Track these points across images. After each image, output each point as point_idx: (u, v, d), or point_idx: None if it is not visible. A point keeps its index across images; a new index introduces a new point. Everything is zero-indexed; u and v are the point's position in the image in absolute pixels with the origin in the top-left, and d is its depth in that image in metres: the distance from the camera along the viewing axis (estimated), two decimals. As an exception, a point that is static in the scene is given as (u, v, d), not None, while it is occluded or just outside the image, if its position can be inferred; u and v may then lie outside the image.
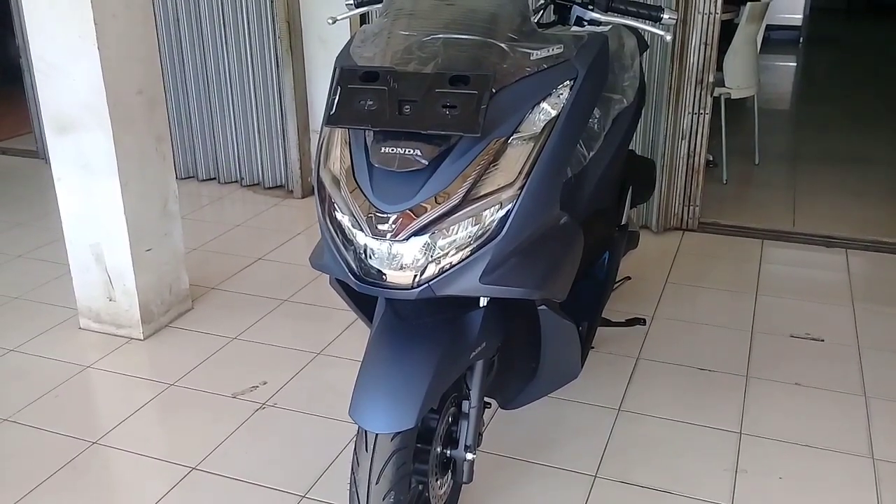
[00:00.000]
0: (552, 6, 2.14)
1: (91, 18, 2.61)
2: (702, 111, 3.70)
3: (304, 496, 2.18)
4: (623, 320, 2.79)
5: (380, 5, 1.98)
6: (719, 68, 4.15)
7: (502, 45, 1.67)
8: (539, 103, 1.66)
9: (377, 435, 1.65)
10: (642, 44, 2.73)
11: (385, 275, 1.59)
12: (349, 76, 1.59)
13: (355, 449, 1.71)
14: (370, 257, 1.60)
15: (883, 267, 3.60)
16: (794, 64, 8.84)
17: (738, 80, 4.49)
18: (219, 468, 2.29)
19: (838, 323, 3.07)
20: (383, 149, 1.57)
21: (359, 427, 1.67)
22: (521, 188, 1.61)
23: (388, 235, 1.57)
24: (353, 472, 1.71)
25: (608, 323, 2.71)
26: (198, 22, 4.33)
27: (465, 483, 1.92)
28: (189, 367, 2.79)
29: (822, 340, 2.95)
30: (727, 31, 4.21)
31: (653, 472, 2.26)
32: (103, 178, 2.79)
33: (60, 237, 2.99)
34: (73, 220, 2.92)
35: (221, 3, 4.24)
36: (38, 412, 2.56)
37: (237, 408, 2.57)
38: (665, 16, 1.95)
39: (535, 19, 1.89)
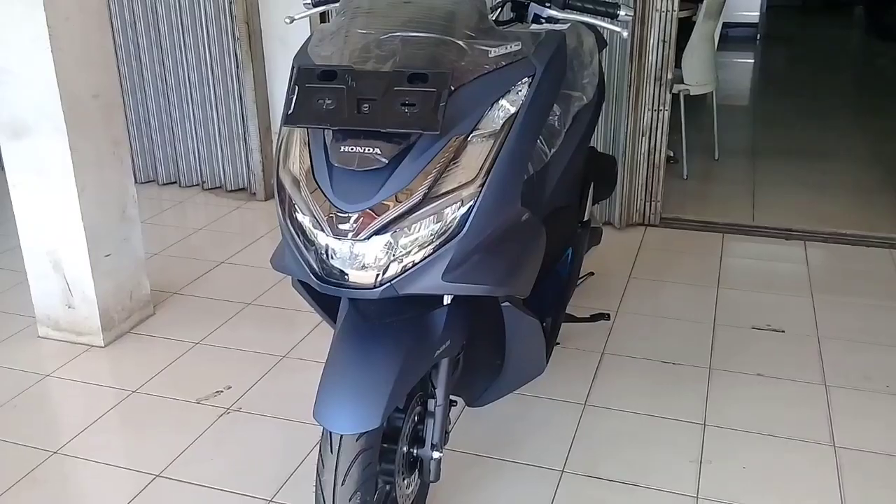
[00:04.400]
0: (509, 4, 2.15)
1: (44, 22, 2.56)
2: (661, 108, 3.73)
3: (270, 501, 2.16)
4: (587, 316, 2.81)
5: (337, 4, 1.97)
6: (678, 65, 4.20)
7: (460, 42, 1.67)
8: (498, 100, 1.66)
9: (342, 436, 1.64)
10: (601, 41, 2.75)
11: (347, 275, 1.58)
12: (307, 75, 1.58)
13: (320, 451, 1.69)
14: (332, 257, 1.59)
15: (841, 258, 3.66)
16: (752, 61, 8.96)
17: (697, 76, 4.54)
18: (183, 475, 2.27)
19: (798, 314, 3.12)
20: (342, 148, 1.56)
21: (323, 428, 1.66)
22: (482, 185, 1.61)
23: (350, 235, 1.56)
24: (318, 475, 1.69)
25: (572, 318, 2.72)
26: (155, 25, 4.28)
27: (433, 482, 1.92)
28: (152, 374, 2.75)
29: (783, 331, 2.99)
30: (685, 29, 4.26)
31: (619, 465, 2.28)
32: (59, 184, 2.75)
33: (17, 244, 2.94)
34: (30, 226, 2.87)
35: (179, 6, 4.20)
36: (-3, 423, 2.52)
37: (201, 413, 2.54)
38: (621, 12, 1.97)
39: (492, 17, 1.90)
